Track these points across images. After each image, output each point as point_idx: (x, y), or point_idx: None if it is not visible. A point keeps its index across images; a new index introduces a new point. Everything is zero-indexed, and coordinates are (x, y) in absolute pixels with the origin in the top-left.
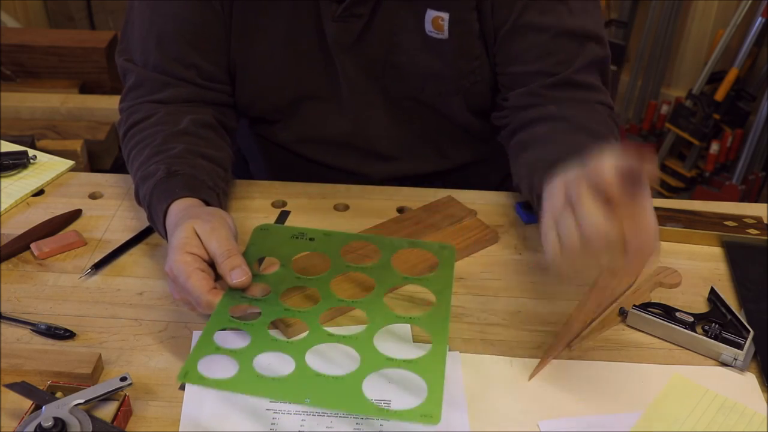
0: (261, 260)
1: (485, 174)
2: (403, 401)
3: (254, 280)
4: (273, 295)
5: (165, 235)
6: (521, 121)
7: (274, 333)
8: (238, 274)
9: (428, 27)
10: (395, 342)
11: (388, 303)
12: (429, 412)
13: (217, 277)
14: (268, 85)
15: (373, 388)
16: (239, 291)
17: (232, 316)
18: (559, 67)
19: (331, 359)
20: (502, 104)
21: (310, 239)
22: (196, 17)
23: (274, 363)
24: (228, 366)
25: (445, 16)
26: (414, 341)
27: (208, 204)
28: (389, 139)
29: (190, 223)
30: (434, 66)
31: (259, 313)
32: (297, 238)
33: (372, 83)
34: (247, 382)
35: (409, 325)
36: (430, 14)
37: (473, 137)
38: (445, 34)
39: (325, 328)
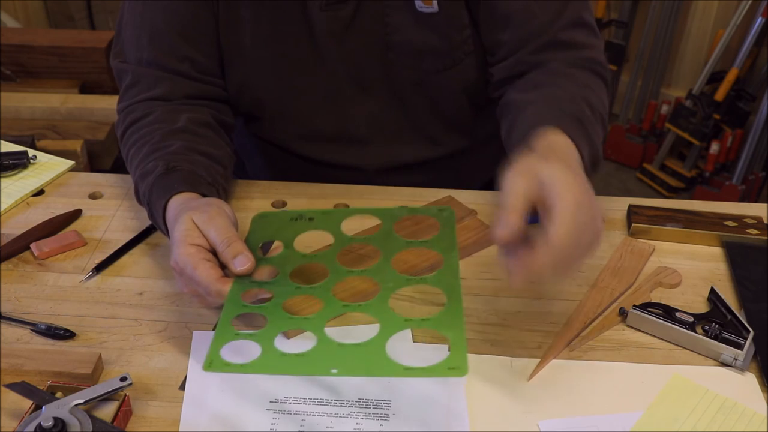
0: (264, 247)
1: (476, 164)
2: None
3: (260, 263)
4: (282, 275)
5: (166, 231)
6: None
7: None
8: (241, 261)
9: (418, 3)
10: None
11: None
12: (455, 364)
13: (223, 267)
14: (253, 78)
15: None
16: (248, 277)
17: (245, 303)
18: (542, 29)
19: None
20: (491, 78)
21: (310, 219)
22: (187, 10)
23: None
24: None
25: None
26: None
27: None
28: (381, 128)
29: (188, 214)
30: (428, 41)
31: (271, 297)
32: (296, 220)
33: (365, 69)
34: (272, 362)
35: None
36: None
37: (464, 124)
38: (434, 7)
39: (339, 301)
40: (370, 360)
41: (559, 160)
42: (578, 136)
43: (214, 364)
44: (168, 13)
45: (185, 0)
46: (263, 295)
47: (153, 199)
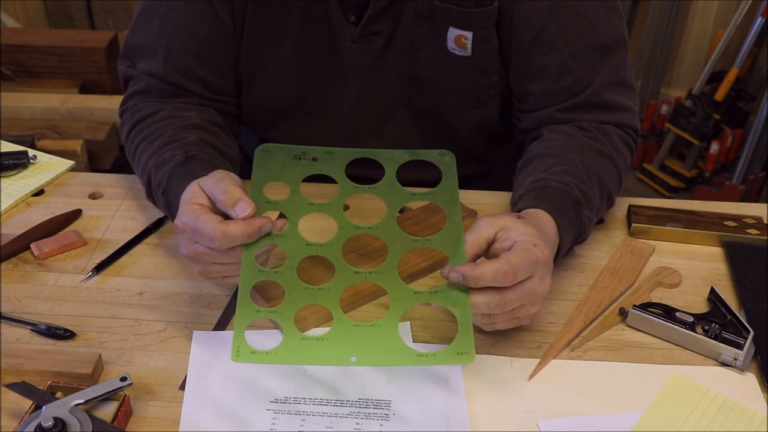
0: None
1: (490, 188)
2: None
3: (267, 206)
4: (291, 226)
5: None
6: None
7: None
8: (242, 208)
9: (450, 44)
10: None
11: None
12: (463, 349)
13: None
14: (273, 101)
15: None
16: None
17: (261, 267)
18: (578, 87)
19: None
20: (518, 123)
21: (313, 159)
22: (207, 32)
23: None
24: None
25: (469, 35)
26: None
27: None
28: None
29: (196, 181)
30: (456, 81)
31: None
32: (300, 158)
33: (388, 99)
34: (294, 349)
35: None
36: (453, 32)
37: (481, 152)
38: (468, 52)
39: (350, 266)
40: (385, 345)
41: (534, 225)
42: (566, 226)
43: (241, 353)
44: (187, 35)
45: (206, 23)
46: (273, 247)
47: (172, 185)
